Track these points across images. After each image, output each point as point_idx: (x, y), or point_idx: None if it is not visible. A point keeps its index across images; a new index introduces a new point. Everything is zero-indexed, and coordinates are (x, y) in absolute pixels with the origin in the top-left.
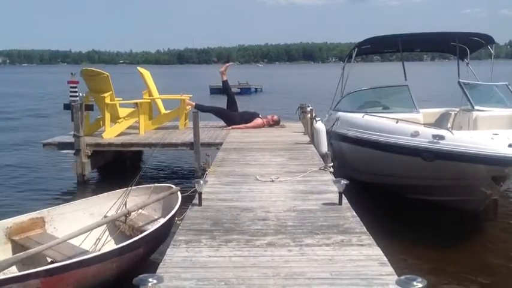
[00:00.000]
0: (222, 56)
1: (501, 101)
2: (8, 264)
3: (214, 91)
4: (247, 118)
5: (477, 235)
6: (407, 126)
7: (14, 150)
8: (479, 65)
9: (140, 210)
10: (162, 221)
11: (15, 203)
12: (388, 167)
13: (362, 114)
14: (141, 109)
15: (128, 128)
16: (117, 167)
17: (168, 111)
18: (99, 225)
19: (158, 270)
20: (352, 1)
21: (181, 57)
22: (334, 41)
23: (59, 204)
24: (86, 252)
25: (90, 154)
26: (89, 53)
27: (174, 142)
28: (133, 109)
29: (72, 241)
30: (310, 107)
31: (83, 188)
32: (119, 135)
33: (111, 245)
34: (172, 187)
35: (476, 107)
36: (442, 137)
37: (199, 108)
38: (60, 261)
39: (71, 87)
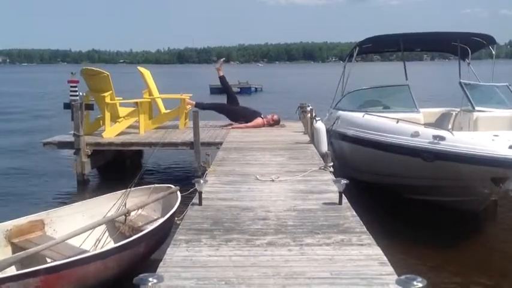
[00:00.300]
0: (222, 56)
1: (502, 102)
2: (7, 264)
3: (214, 90)
4: (249, 114)
5: (477, 235)
6: (408, 126)
7: (14, 150)
8: (480, 65)
9: (139, 211)
10: (162, 220)
11: (15, 203)
12: (388, 167)
13: (362, 114)
14: (141, 108)
15: (128, 127)
16: (117, 167)
17: (168, 110)
18: (98, 225)
19: (158, 270)
20: (352, 1)
21: (181, 57)
22: (334, 41)
23: (58, 204)
24: (85, 252)
25: (90, 153)
26: (89, 52)
27: (174, 141)
28: (133, 108)
29: (71, 242)
30: (310, 107)
31: (83, 188)
32: (119, 134)
33: (110, 246)
34: (171, 187)
35: (477, 108)
36: (442, 138)
37: (200, 106)
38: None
39: (71, 86)
